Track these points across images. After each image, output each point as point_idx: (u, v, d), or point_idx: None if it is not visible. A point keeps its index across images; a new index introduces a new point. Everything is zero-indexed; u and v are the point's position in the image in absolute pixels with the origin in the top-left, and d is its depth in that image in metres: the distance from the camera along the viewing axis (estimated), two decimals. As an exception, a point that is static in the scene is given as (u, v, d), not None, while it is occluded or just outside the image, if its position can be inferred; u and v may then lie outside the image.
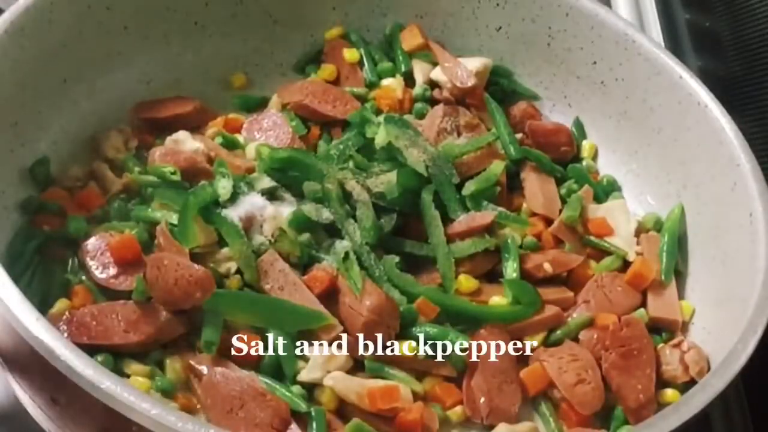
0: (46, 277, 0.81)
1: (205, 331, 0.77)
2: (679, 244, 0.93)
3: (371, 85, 1.03)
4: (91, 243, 0.82)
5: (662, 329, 0.89)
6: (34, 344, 0.64)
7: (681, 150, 0.96)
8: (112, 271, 0.81)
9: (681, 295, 0.92)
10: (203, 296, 0.78)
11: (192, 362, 0.77)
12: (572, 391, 0.82)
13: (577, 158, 1.03)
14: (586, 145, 1.04)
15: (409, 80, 1.04)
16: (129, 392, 0.62)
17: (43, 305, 0.77)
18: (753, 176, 0.87)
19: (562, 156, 1.02)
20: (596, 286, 0.90)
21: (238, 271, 0.82)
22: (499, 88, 1.05)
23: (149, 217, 0.85)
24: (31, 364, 0.69)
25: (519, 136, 1.01)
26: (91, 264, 0.81)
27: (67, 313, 0.77)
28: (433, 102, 1.02)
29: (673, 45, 1.24)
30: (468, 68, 1.01)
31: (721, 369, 0.74)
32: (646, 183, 1.00)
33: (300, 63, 1.06)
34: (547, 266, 0.90)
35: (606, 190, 1.00)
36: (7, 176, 0.84)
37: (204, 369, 0.77)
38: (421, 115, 1.01)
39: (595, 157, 1.04)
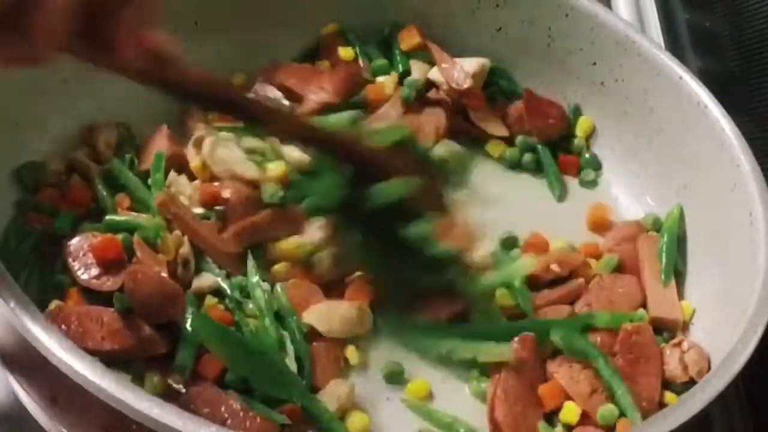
0: (41, 278, 0.80)
1: (179, 354, 0.77)
2: (679, 244, 0.93)
3: (365, 83, 1.03)
4: (74, 243, 0.81)
5: (663, 329, 0.89)
6: (35, 343, 0.64)
7: (681, 150, 0.96)
8: (94, 271, 0.80)
9: (681, 295, 0.92)
10: (175, 311, 0.78)
11: (170, 381, 0.76)
12: (588, 401, 0.81)
13: (566, 138, 1.04)
14: (582, 123, 1.04)
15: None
16: (129, 392, 0.62)
17: (40, 307, 0.76)
18: (753, 177, 0.87)
19: (548, 128, 1.02)
20: (598, 288, 0.90)
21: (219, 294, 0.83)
22: (498, 89, 1.05)
23: (120, 224, 0.84)
24: (32, 363, 0.69)
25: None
26: (74, 264, 0.80)
27: (57, 307, 0.77)
28: (430, 102, 1.02)
29: (673, 45, 1.24)
30: (465, 69, 1.01)
31: (721, 369, 0.74)
32: (646, 183, 1.00)
33: (297, 60, 1.05)
34: (554, 266, 0.90)
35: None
36: (6, 177, 0.85)
37: (182, 388, 0.76)
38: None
39: (590, 137, 1.04)
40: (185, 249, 0.83)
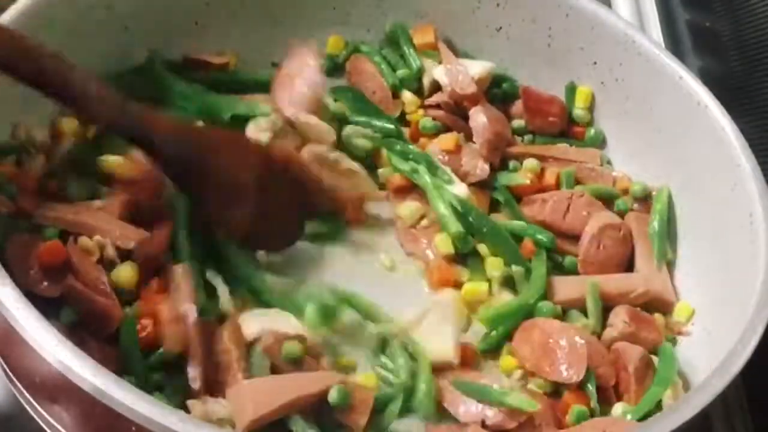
0: None
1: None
2: (679, 245, 0.94)
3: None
4: (16, 243, 0.77)
5: (657, 309, 0.90)
6: (34, 345, 0.64)
7: (681, 150, 0.95)
8: (35, 275, 0.76)
9: (681, 296, 0.92)
10: (110, 327, 0.76)
11: None
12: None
13: (565, 133, 1.04)
14: (581, 93, 1.03)
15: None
16: (128, 392, 0.62)
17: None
18: (753, 177, 0.87)
19: (549, 126, 1.03)
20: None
21: None
22: (500, 91, 1.05)
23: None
24: (31, 364, 0.69)
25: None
26: (14, 266, 0.75)
27: None
28: (430, 107, 1.02)
29: (673, 45, 1.24)
30: (470, 74, 1.01)
31: (721, 369, 0.74)
32: (646, 182, 0.99)
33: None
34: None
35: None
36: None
37: None
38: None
39: (591, 107, 1.04)
40: (109, 251, 0.81)
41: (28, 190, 0.82)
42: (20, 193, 0.81)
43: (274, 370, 0.78)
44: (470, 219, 0.92)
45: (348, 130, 0.97)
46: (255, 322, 0.81)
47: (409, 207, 0.94)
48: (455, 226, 0.91)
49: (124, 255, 0.81)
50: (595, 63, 1.02)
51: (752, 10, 1.19)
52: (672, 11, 1.29)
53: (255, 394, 0.74)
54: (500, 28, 1.05)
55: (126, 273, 0.79)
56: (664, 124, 0.97)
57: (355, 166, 0.93)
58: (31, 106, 0.86)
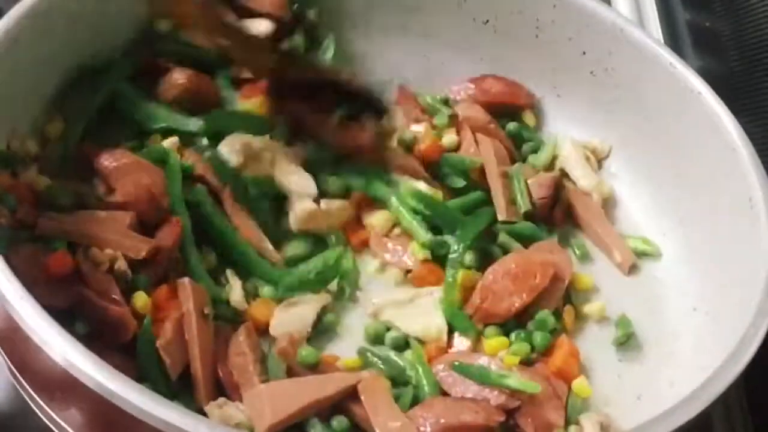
0: None
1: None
2: (677, 237, 0.95)
3: None
4: (21, 255, 0.75)
5: None
6: (38, 341, 0.64)
7: (674, 137, 0.95)
8: (43, 287, 0.73)
9: (680, 289, 0.92)
10: (125, 336, 0.75)
11: None
12: None
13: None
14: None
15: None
16: (132, 391, 0.62)
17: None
18: (751, 162, 0.86)
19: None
20: None
21: None
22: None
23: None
24: (33, 361, 0.68)
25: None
26: (20, 279, 0.71)
27: None
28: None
29: (673, 45, 1.24)
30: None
31: (723, 369, 0.74)
32: (639, 171, 0.99)
33: None
34: None
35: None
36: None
37: None
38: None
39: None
40: (120, 264, 0.79)
41: (28, 201, 0.81)
42: (20, 205, 0.79)
43: (290, 372, 0.78)
44: (441, 216, 0.91)
45: None
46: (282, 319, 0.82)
47: (379, 216, 0.92)
48: (423, 235, 0.89)
49: (135, 266, 0.79)
50: (584, 53, 1.00)
51: (752, 10, 1.19)
52: (672, 11, 1.29)
53: (273, 397, 0.73)
54: (487, 21, 1.04)
55: (140, 300, 0.78)
56: (655, 113, 0.96)
57: (344, 203, 0.91)
58: (22, 116, 0.86)
